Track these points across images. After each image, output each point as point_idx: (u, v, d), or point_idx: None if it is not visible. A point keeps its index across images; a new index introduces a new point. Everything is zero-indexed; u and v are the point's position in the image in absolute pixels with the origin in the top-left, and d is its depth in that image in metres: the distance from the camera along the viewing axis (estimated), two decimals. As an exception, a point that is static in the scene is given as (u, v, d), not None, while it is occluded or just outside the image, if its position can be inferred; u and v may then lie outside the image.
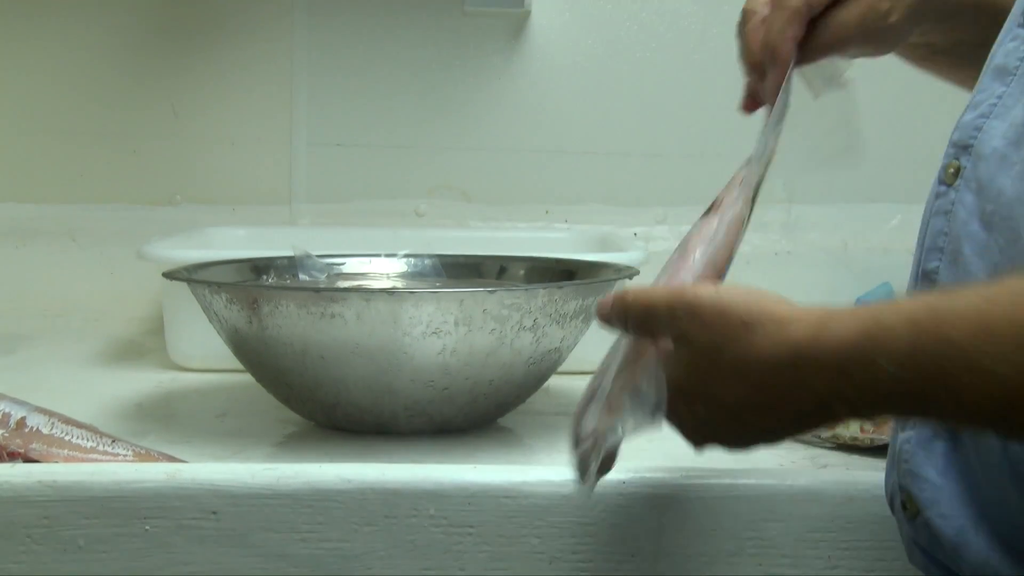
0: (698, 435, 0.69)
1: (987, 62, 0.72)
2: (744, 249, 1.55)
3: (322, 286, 1.16)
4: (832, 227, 1.59)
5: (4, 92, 1.60)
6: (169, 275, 1.06)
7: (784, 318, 0.62)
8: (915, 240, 0.74)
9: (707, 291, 0.66)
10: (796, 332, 0.61)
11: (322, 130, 1.63)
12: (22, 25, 1.59)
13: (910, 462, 0.72)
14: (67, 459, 0.87)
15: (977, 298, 0.57)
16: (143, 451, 0.90)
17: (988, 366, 0.55)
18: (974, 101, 0.70)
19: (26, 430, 0.89)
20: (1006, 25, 0.72)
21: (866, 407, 0.62)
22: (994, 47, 0.72)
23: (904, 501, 0.72)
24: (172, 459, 0.90)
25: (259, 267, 1.17)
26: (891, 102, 1.51)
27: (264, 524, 0.83)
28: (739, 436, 0.68)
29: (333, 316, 0.93)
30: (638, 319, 0.70)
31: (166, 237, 1.35)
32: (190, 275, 1.07)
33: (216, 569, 0.83)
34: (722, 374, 0.64)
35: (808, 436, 0.98)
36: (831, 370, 0.60)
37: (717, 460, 0.93)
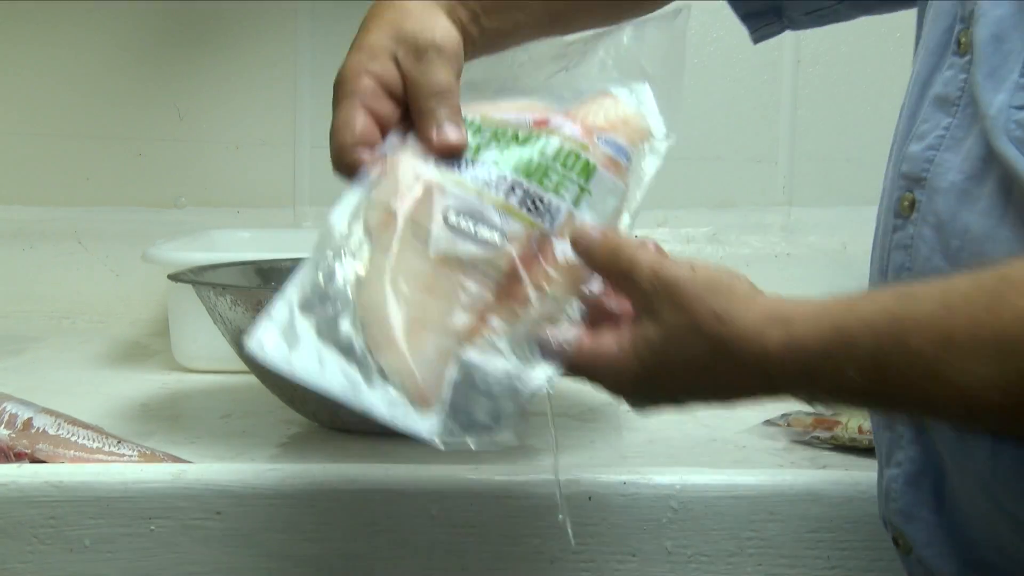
0: (641, 400, 0.68)
1: (921, 88, 0.71)
2: (744, 251, 1.58)
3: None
4: (831, 229, 1.59)
5: (10, 95, 1.61)
6: (174, 277, 1.06)
7: (755, 323, 0.62)
8: None
9: (684, 273, 0.65)
10: (767, 340, 0.61)
11: (326, 133, 1.63)
12: (28, 29, 1.59)
13: (899, 501, 0.72)
14: (73, 460, 0.88)
15: (935, 305, 0.57)
16: (148, 452, 0.90)
17: (950, 376, 0.56)
18: (918, 132, 0.69)
19: (32, 431, 0.89)
20: (928, 48, 0.70)
21: (832, 405, 0.63)
22: (927, 73, 0.70)
23: (896, 537, 0.73)
24: (177, 460, 0.90)
25: (263, 269, 1.18)
26: (891, 104, 1.50)
27: (268, 524, 0.83)
28: (682, 403, 0.67)
29: (337, 318, 0.93)
30: (618, 271, 0.70)
31: (171, 239, 1.36)
32: (195, 277, 1.07)
33: (221, 569, 0.84)
34: (687, 364, 0.64)
35: (807, 437, 0.98)
36: (799, 376, 0.61)
37: (717, 460, 0.94)
